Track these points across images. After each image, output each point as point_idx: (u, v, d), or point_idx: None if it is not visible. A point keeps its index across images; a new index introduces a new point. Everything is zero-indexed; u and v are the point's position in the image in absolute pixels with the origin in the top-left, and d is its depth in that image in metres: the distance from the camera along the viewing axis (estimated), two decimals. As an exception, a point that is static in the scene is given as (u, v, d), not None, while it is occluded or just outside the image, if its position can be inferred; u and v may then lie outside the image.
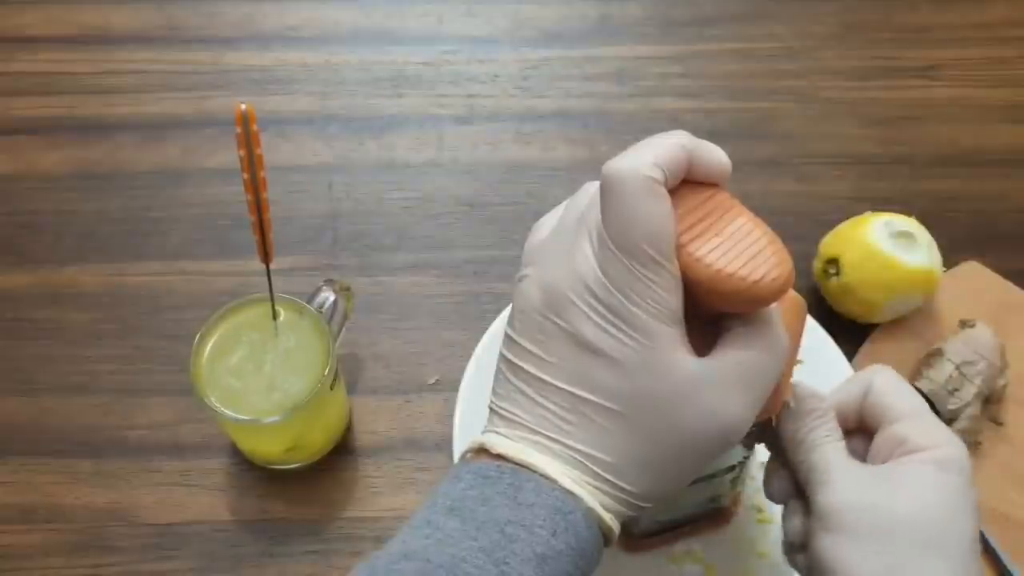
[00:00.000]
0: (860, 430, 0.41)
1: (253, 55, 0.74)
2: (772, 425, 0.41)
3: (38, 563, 0.54)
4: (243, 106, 0.44)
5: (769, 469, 0.42)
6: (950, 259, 0.60)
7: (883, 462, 0.38)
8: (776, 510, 0.53)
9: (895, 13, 0.77)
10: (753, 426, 0.36)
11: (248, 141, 0.44)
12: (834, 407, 0.40)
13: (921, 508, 0.36)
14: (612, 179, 0.33)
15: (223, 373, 0.51)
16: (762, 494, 0.53)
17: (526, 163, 0.69)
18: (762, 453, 0.54)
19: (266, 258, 0.49)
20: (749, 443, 0.44)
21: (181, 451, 0.57)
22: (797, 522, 0.40)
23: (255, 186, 0.46)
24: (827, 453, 0.38)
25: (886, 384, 0.40)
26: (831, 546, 0.37)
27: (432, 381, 0.60)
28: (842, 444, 0.39)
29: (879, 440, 0.39)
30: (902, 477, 0.37)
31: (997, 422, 0.57)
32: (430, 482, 0.56)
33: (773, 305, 0.35)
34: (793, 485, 0.41)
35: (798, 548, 0.40)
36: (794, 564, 0.41)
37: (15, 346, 0.61)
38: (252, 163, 0.45)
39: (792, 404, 0.40)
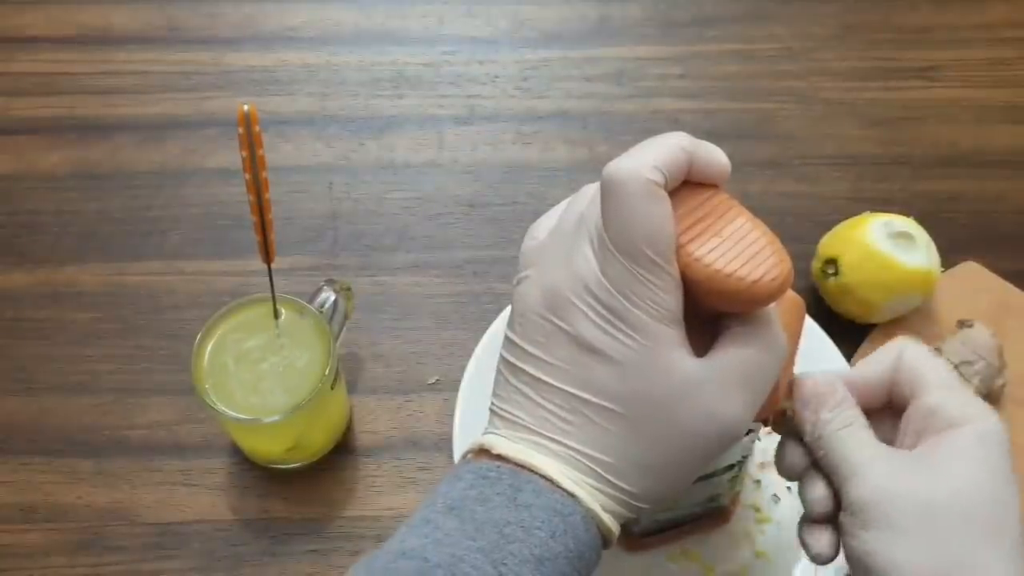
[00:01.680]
0: (888, 407, 0.38)
1: (254, 56, 0.74)
2: (782, 420, 0.39)
3: (38, 563, 0.54)
4: (246, 107, 0.44)
5: (781, 443, 0.40)
6: (949, 259, 0.60)
7: (916, 437, 0.36)
8: (775, 510, 0.53)
9: (895, 14, 0.77)
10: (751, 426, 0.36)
11: (250, 142, 0.44)
12: (858, 384, 0.38)
13: (967, 492, 0.34)
14: (612, 181, 0.33)
15: (223, 373, 0.51)
16: (761, 493, 0.54)
17: (526, 163, 0.69)
18: (762, 453, 0.55)
19: (268, 258, 0.49)
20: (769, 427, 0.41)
21: (182, 451, 0.57)
22: (821, 490, 0.37)
23: (257, 187, 0.46)
24: (851, 443, 0.36)
25: (917, 355, 0.38)
26: (872, 543, 0.34)
27: (432, 381, 0.60)
28: (867, 429, 0.36)
29: (910, 413, 0.37)
30: (941, 457, 0.34)
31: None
32: (430, 481, 0.56)
33: (772, 305, 0.35)
34: (809, 459, 0.38)
35: (823, 521, 0.37)
36: (814, 547, 0.37)
37: (15, 346, 0.61)
38: (254, 164, 0.45)
39: (790, 412, 0.38)
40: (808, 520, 0.38)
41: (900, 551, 0.33)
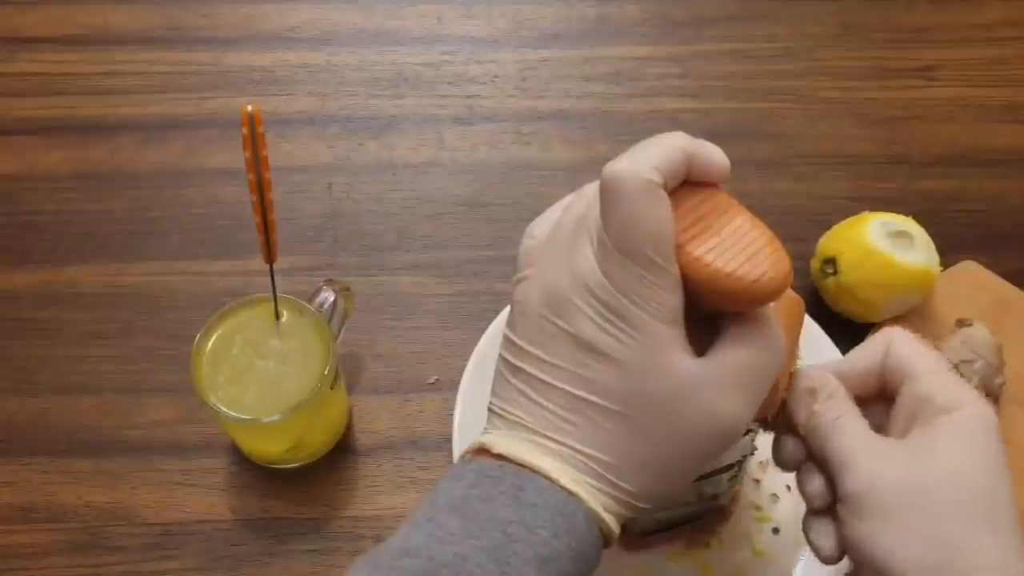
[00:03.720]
0: (880, 396, 0.39)
1: (253, 56, 0.74)
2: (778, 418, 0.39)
3: (38, 563, 0.54)
4: (249, 108, 0.44)
5: (778, 435, 0.40)
6: (947, 259, 0.60)
7: (907, 425, 0.36)
8: (775, 509, 0.54)
9: (893, 14, 0.77)
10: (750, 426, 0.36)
11: (254, 142, 0.44)
12: (848, 374, 0.38)
13: (958, 478, 0.34)
14: (612, 182, 0.33)
15: (223, 373, 0.51)
16: (761, 493, 0.54)
17: (525, 163, 0.69)
18: (761, 453, 0.55)
19: (270, 258, 0.49)
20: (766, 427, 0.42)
21: (182, 451, 0.57)
22: (817, 482, 0.37)
23: (260, 187, 0.46)
24: (844, 434, 0.36)
25: (905, 343, 0.38)
26: (868, 533, 0.34)
27: (432, 380, 0.60)
28: (859, 420, 0.37)
29: (901, 400, 0.37)
30: (934, 445, 0.35)
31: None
32: (430, 481, 0.56)
33: (771, 304, 0.35)
34: (805, 451, 0.38)
35: (822, 513, 0.38)
36: (822, 548, 0.38)
37: (15, 346, 0.61)
38: (258, 164, 0.45)
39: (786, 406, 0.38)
40: (811, 515, 0.39)
41: (894, 538, 0.34)
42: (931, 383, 0.36)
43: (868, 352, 0.39)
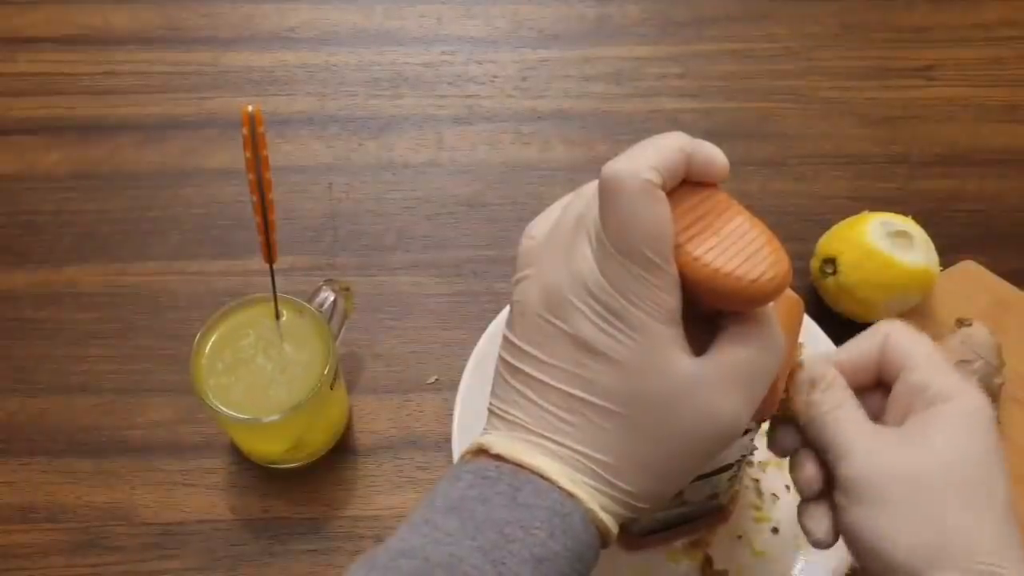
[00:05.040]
0: (877, 386, 0.39)
1: (253, 56, 0.74)
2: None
3: (38, 563, 0.54)
4: (250, 107, 0.44)
5: (773, 423, 0.41)
6: (947, 258, 0.60)
7: (903, 414, 0.37)
8: (774, 510, 0.54)
9: (893, 14, 0.77)
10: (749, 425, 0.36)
11: (254, 143, 0.44)
12: (846, 365, 0.39)
13: (951, 464, 0.34)
14: (610, 182, 0.33)
15: (223, 373, 0.51)
16: (760, 493, 0.54)
17: (525, 163, 0.69)
18: (761, 453, 0.55)
19: (270, 259, 0.50)
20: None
21: (181, 451, 0.57)
22: (810, 467, 0.38)
23: (261, 188, 0.46)
24: (841, 422, 0.37)
25: (901, 334, 0.39)
26: (863, 518, 0.35)
27: (431, 380, 0.60)
28: (857, 409, 0.37)
29: (898, 390, 0.38)
30: (929, 433, 0.35)
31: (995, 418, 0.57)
32: (430, 481, 0.56)
33: (770, 304, 0.35)
34: (800, 436, 0.39)
35: (815, 499, 0.38)
36: (814, 532, 0.38)
37: (15, 346, 0.61)
38: (258, 164, 0.45)
39: (783, 395, 0.39)
40: (804, 502, 0.39)
41: (889, 523, 0.34)
42: (927, 373, 0.37)
43: (866, 343, 0.40)
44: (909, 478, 0.35)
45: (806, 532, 0.39)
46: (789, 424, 0.39)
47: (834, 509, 0.38)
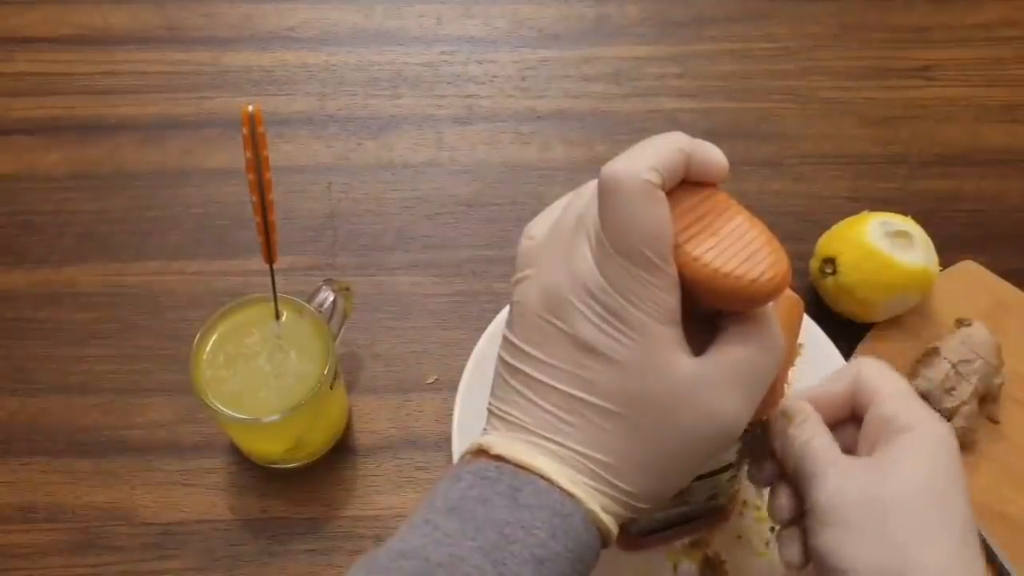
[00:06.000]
0: (851, 420, 0.41)
1: (252, 56, 0.74)
2: (760, 431, 0.42)
3: (38, 563, 0.54)
4: (250, 107, 0.44)
5: (753, 459, 0.43)
6: (946, 258, 0.60)
7: (872, 443, 0.39)
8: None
9: (892, 14, 0.77)
10: (749, 425, 0.36)
11: (254, 142, 0.44)
12: (821, 400, 0.41)
13: (913, 490, 0.36)
14: (610, 183, 0.33)
15: (223, 373, 0.51)
16: (760, 493, 0.54)
17: (524, 163, 0.69)
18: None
19: (270, 259, 0.50)
20: (745, 451, 0.44)
21: (181, 451, 0.57)
22: (784, 499, 0.41)
23: (261, 188, 0.46)
24: (815, 452, 0.39)
25: (871, 369, 0.41)
26: (830, 541, 0.37)
27: (431, 380, 0.60)
28: (830, 441, 0.39)
29: (867, 422, 0.40)
30: (894, 461, 0.37)
31: (994, 420, 0.57)
32: (429, 481, 0.56)
33: (770, 304, 0.35)
34: (779, 470, 0.41)
35: (789, 526, 0.40)
36: (785, 555, 0.41)
37: (15, 346, 0.61)
38: (258, 164, 0.45)
39: (758, 431, 0.41)
40: (781, 529, 0.41)
41: (853, 546, 0.36)
42: (895, 406, 0.39)
43: (839, 379, 0.42)
44: (873, 503, 0.36)
45: (780, 555, 0.41)
46: (767, 459, 0.42)
47: (805, 533, 0.39)
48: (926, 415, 0.39)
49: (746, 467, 0.44)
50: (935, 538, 0.36)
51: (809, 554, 0.39)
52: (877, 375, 0.41)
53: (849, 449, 0.40)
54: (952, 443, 0.38)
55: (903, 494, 0.36)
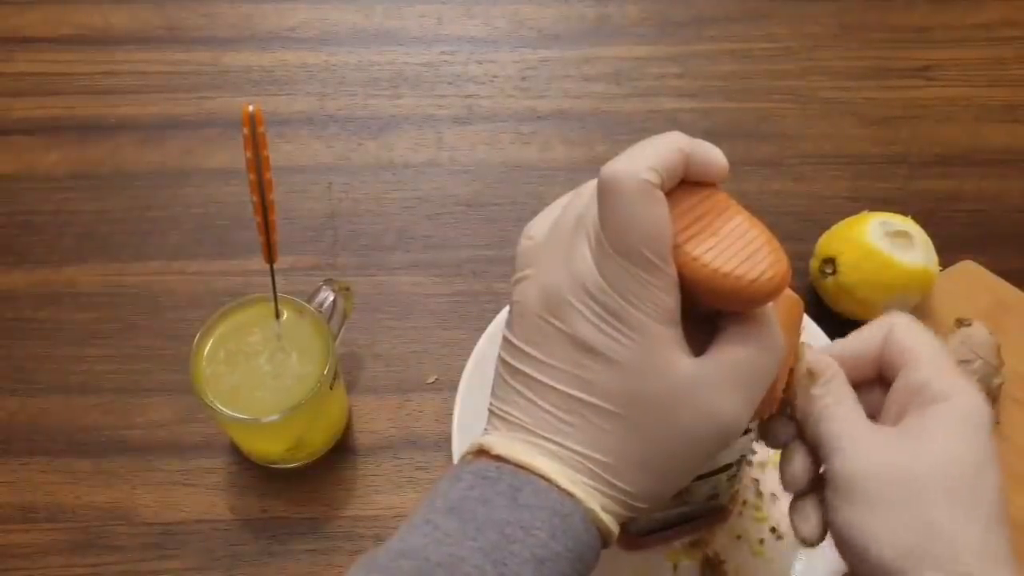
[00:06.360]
0: (878, 380, 0.39)
1: (252, 56, 0.74)
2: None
3: (38, 563, 0.54)
4: (250, 107, 0.44)
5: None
6: (946, 259, 0.60)
7: (901, 411, 0.37)
8: (774, 509, 0.54)
9: (892, 14, 0.77)
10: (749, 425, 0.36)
11: (255, 142, 0.44)
12: (848, 357, 0.39)
13: (945, 467, 0.34)
14: (609, 183, 0.33)
15: (223, 372, 0.51)
16: (760, 493, 0.54)
17: (525, 163, 0.69)
18: (760, 453, 0.55)
19: (270, 259, 0.50)
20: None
21: (181, 451, 0.57)
22: (799, 463, 0.38)
23: (261, 188, 0.46)
24: (838, 419, 0.36)
25: (904, 328, 0.38)
26: (852, 517, 0.35)
27: (431, 380, 0.60)
28: (855, 406, 0.37)
29: (897, 387, 0.38)
30: (924, 434, 0.35)
31: (994, 420, 0.57)
32: (429, 481, 0.56)
33: (770, 304, 0.35)
34: (794, 429, 0.39)
35: (804, 495, 0.38)
36: (802, 529, 0.38)
37: (15, 346, 0.61)
38: (259, 164, 0.45)
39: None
40: (796, 498, 0.39)
41: (878, 524, 0.34)
42: (928, 373, 0.37)
43: (868, 336, 0.39)
44: (901, 479, 0.34)
45: (794, 528, 0.39)
46: (785, 416, 0.39)
47: (823, 506, 0.37)
48: (961, 384, 0.36)
49: (755, 427, 0.41)
50: (967, 517, 0.34)
51: (825, 530, 0.37)
52: (910, 335, 0.38)
53: (873, 413, 0.38)
54: (987, 415, 0.35)
55: (933, 470, 0.34)
